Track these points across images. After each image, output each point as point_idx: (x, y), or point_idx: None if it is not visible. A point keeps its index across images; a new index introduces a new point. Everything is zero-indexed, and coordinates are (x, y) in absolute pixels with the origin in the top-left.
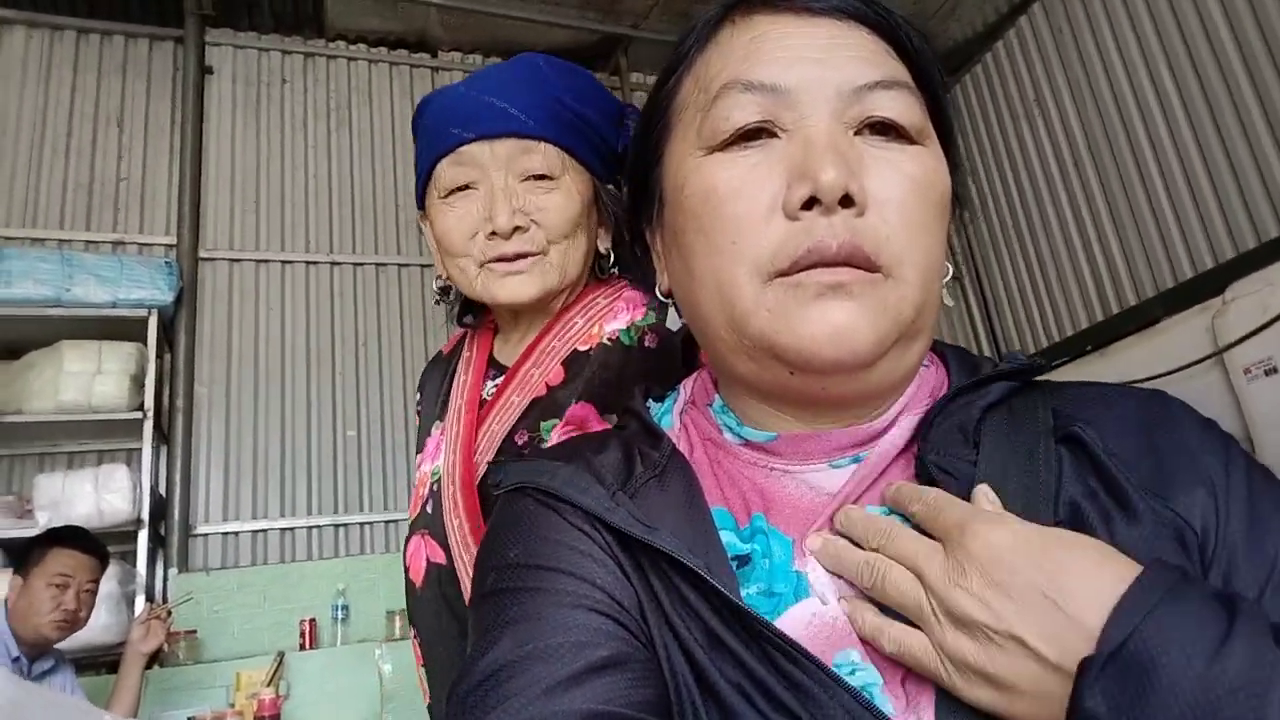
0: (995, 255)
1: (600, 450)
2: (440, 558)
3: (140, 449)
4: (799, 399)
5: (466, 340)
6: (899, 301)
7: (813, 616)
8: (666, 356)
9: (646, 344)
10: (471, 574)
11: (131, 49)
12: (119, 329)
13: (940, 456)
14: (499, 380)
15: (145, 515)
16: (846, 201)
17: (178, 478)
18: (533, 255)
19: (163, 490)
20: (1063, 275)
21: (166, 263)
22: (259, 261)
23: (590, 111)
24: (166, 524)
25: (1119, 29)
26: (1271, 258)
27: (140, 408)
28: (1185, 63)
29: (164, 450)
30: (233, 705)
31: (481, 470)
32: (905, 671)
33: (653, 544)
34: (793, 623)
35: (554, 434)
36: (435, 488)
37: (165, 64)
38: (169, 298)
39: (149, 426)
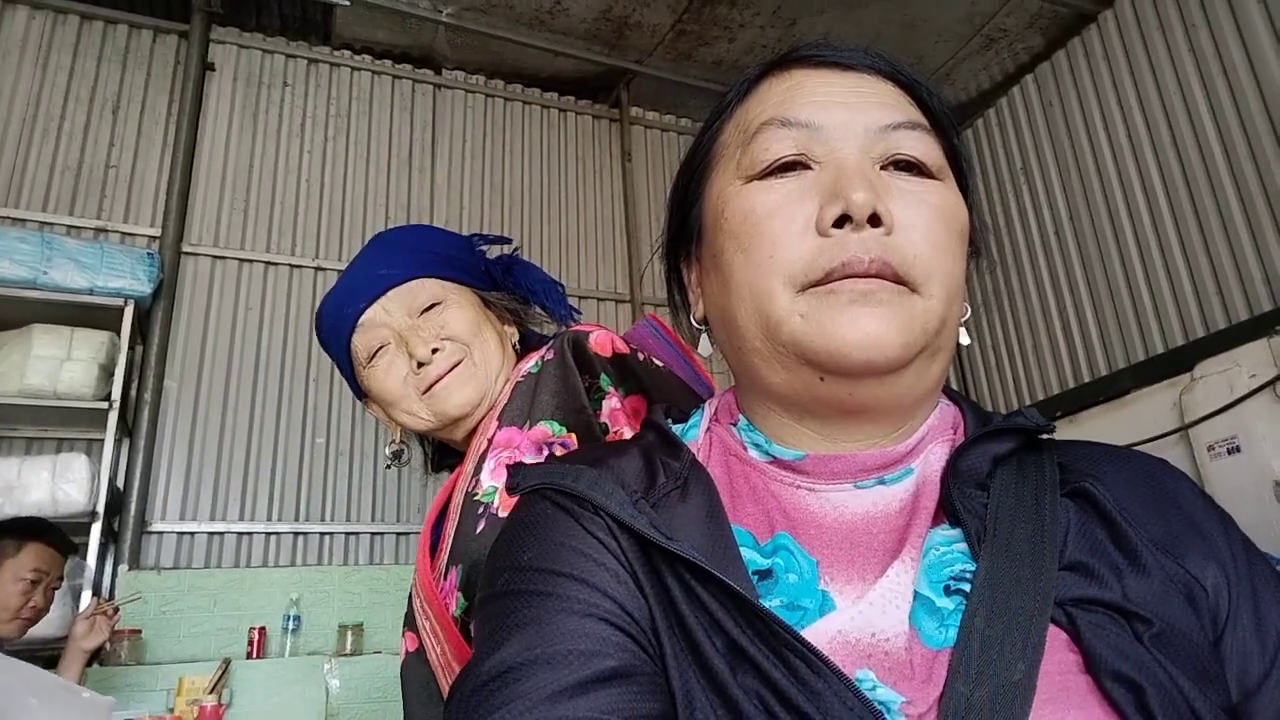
0: (973, 317)
1: (622, 456)
2: (413, 645)
3: (102, 440)
4: (827, 409)
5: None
6: (925, 313)
7: (837, 633)
8: (561, 361)
9: (547, 359)
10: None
11: (134, 39)
12: (93, 316)
13: (961, 493)
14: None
15: (101, 508)
16: (875, 221)
17: (137, 472)
18: (459, 364)
19: (120, 484)
20: (1037, 341)
21: (148, 253)
22: (243, 260)
23: (438, 246)
24: (121, 519)
25: (1107, 107)
26: (1240, 339)
27: (107, 398)
28: (1168, 145)
29: (126, 443)
30: (172, 710)
31: (442, 565)
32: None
33: (674, 551)
34: (816, 636)
35: (485, 466)
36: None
37: (167, 57)
38: (147, 289)
39: (114, 417)
